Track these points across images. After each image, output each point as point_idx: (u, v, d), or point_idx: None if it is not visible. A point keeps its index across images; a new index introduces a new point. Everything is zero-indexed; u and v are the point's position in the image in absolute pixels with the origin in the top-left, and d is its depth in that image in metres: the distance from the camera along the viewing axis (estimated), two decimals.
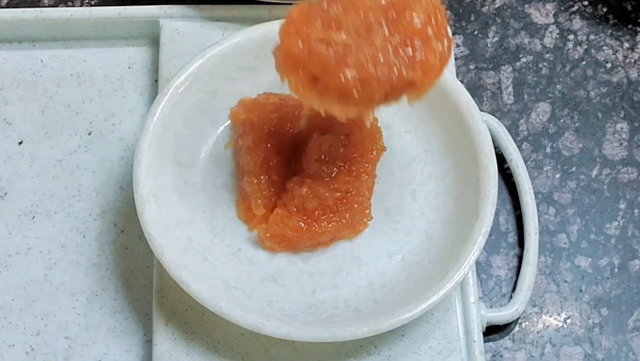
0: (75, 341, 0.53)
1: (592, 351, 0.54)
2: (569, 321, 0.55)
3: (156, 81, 0.59)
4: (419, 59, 0.45)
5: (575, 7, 0.64)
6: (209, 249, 0.52)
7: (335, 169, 0.52)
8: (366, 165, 0.53)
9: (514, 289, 0.55)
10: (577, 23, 0.63)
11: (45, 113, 0.58)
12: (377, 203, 0.54)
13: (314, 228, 0.51)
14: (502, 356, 0.54)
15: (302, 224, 0.51)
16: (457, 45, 0.62)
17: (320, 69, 0.44)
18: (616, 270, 0.56)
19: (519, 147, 0.59)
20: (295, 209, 0.52)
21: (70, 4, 0.62)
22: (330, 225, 0.52)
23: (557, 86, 0.61)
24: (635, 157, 0.60)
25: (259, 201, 0.52)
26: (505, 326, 0.55)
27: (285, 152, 0.53)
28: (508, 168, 0.58)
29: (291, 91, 0.46)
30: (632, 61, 0.62)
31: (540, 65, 0.62)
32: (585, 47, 0.63)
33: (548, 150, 0.60)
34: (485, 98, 0.61)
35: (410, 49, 0.45)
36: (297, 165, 0.53)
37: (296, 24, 0.45)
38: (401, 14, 0.45)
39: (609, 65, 0.62)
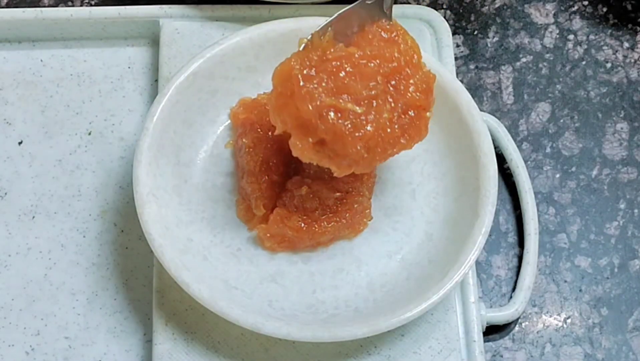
0: (75, 341, 0.53)
1: (592, 351, 0.54)
2: (569, 321, 0.55)
3: (156, 80, 0.59)
4: (416, 131, 0.49)
5: (575, 7, 0.64)
6: (208, 249, 0.52)
7: None
8: None
9: (514, 289, 0.55)
10: (577, 23, 0.63)
11: (45, 113, 0.58)
12: (377, 203, 0.54)
13: (314, 228, 0.51)
14: (502, 356, 0.54)
15: (302, 224, 0.51)
16: (457, 45, 0.62)
17: (332, 137, 0.46)
18: (616, 270, 0.56)
19: (519, 147, 0.59)
20: (295, 209, 0.52)
21: (70, 4, 0.62)
22: (330, 225, 0.52)
23: (557, 86, 0.61)
24: (635, 157, 0.60)
25: (259, 201, 0.52)
26: (505, 326, 0.55)
27: (285, 152, 0.53)
28: (508, 168, 0.58)
29: (294, 151, 0.47)
30: (632, 60, 0.62)
31: (540, 65, 0.62)
32: (585, 47, 0.63)
33: (548, 150, 0.60)
34: (485, 98, 0.61)
35: (409, 119, 0.48)
36: (297, 165, 0.53)
37: (305, 81, 0.46)
38: (403, 83, 0.48)
39: (609, 65, 0.62)
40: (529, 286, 0.54)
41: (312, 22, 0.54)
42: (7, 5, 0.62)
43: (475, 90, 0.61)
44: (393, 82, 0.48)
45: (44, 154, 0.57)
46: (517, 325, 0.55)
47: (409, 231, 0.53)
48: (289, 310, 0.50)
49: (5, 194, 0.56)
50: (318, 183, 0.52)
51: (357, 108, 0.46)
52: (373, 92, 0.47)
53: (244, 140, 0.53)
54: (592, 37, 0.63)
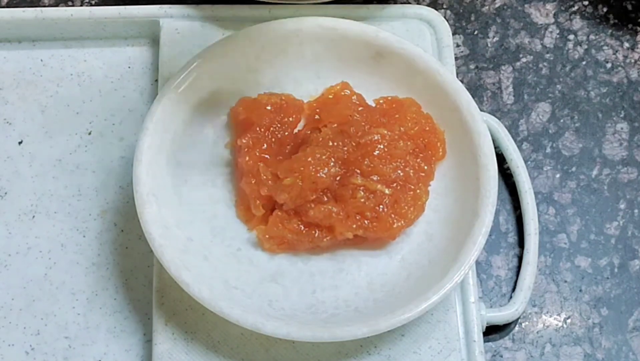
0: (75, 341, 0.53)
1: (592, 351, 0.54)
2: (568, 321, 0.55)
3: (156, 80, 0.59)
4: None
5: (575, 7, 0.64)
6: (208, 249, 0.52)
7: None
8: None
9: (514, 289, 0.55)
10: (577, 23, 0.63)
11: (45, 113, 0.58)
12: None
13: (313, 232, 0.51)
14: (502, 356, 0.54)
15: (302, 227, 0.51)
16: (457, 45, 0.62)
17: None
18: (616, 270, 0.56)
19: (519, 147, 0.59)
20: (294, 212, 0.51)
21: (70, 3, 0.62)
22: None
23: (557, 86, 0.61)
24: (635, 157, 0.60)
25: (258, 201, 0.52)
26: (505, 326, 0.55)
27: (285, 153, 0.53)
28: (508, 168, 0.58)
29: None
30: (632, 60, 0.62)
31: (540, 65, 0.62)
32: (586, 47, 0.63)
33: (548, 150, 0.60)
34: (485, 98, 0.61)
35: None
36: None
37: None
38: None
39: (609, 65, 0.62)
40: (529, 286, 0.54)
41: (312, 22, 0.55)
42: (7, 5, 0.62)
43: (475, 90, 0.61)
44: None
45: (44, 154, 0.57)
46: (517, 325, 0.55)
47: (409, 231, 0.53)
48: (289, 309, 0.50)
49: (5, 194, 0.56)
50: None
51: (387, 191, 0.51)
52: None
53: (243, 140, 0.53)
54: (592, 37, 0.63)
